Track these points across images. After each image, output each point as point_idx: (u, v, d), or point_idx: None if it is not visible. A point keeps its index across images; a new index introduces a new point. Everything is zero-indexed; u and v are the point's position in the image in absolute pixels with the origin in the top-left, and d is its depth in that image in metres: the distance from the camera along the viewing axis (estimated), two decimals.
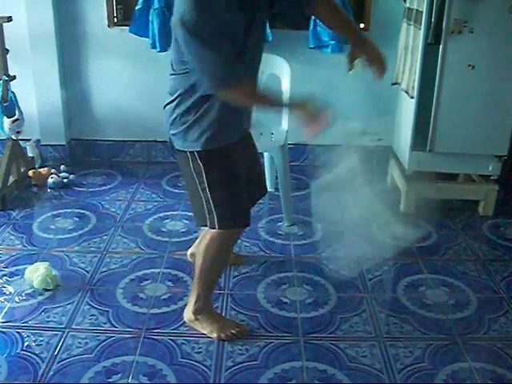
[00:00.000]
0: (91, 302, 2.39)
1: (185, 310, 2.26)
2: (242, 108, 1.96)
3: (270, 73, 3.15)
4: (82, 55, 3.73)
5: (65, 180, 3.56)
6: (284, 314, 2.35)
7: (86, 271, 2.62)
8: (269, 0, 1.90)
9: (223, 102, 1.87)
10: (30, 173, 3.55)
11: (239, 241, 2.90)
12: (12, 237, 2.92)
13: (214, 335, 2.17)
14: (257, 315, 2.33)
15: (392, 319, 2.33)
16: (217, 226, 2.04)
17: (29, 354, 2.08)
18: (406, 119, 3.20)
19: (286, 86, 3.07)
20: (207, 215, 2.04)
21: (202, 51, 1.71)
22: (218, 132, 1.94)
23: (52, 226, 3.05)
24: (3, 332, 2.19)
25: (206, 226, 2.08)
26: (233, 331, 2.18)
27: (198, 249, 2.18)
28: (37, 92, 3.71)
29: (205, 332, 2.19)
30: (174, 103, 1.93)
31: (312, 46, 3.44)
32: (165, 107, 1.98)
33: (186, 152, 1.98)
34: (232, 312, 2.35)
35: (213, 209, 2.02)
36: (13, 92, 3.27)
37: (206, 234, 2.13)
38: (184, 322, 2.25)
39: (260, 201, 3.19)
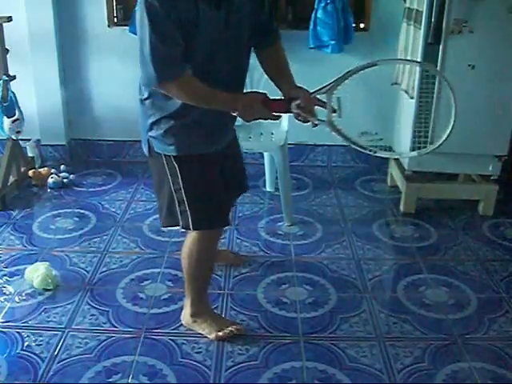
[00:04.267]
0: (91, 302, 2.39)
1: (182, 314, 2.26)
2: (223, 117, 1.94)
3: None
4: (82, 55, 3.73)
5: (65, 180, 3.56)
6: (284, 313, 2.35)
7: (86, 271, 2.62)
8: (252, 25, 1.91)
9: (204, 110, 1.87)
10: (30, 173, 3.55)
11: (239, 241, 2.91)
12: (12, 237, 2.93)
13: (213, 335, 2.17)
14: (257, 315, 2.33)
15: (392, 319, 2.33)
16: (191, 227, 2.05)
17: (29, 353, 2.08)
18: (406, 119, 3.20)
19: None
20: (180, 216, 2.04)
21: (151, 37, 1.71)
22: (195, 139, 1.95)
23: (52, 226, 3.05)
24: (3, 332, 2.19)
25: (177, 226, 2.09)
26: (231, 329, 2.18)
27: (182, 254, 2.17)
28: (37, 92, 3.72)
29: (204, 333, 2.20)
30: (152, 107, 1.94)
31: (312, 46, 3.44)
32: (142, 103, 1.98)
33: (161, 154, 1.98)
34: (232, 312, 2.35)
35: (187, 209, 2.02)
36: (13, 92, 3.27)
37: (188, 239, 2.14)
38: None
39: (260, 200, 3.19)
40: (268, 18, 2.00)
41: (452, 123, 1.90)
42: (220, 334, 2.17)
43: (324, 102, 1.89)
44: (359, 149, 1.97)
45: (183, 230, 2.15)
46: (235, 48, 1.88)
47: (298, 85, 1.93)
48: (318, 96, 1.89)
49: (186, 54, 1.78)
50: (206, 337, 2.18)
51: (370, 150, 1.98)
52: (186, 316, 2.24)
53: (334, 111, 1.89)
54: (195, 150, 1.98)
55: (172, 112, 1.91)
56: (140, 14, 1.73)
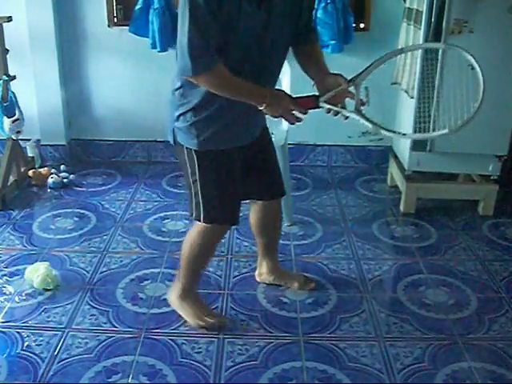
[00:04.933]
0: (91, 302, 2.39)
1: (169, 291, 2.31)
2: (248, 115, 1.97)
3: None
4: (82, 55, 3.73)
5: (65, 180, 3.56)
6: (284, 313, 2.35)
7: (86, 271, 2.62)
8: (294, 22, 1.93)
9: (230, 106, 1.90)
10: (30, 173, 3.55)
11: (239, 241, 2.91)
12: (12, 237, 2.92)
13: (194, 323, 2.22)
14: (257, 315, 2.33)
15: (392, 319, 2.33)
16: (202, 219, 2.09)
17: (29, 353, 2.08)
18: (406, 119, 3.20)
19: (286, 86, 3.07)
20: (194, 206, 2.09)
21: (190, 28, 1.73)
22: (218, 136, 1.98)
23: (52, 226, 3.05)
24: (3, 332, 2.19)
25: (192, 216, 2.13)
26: (212, 321, 2.22)
27: (185, 240, 2.22)
28: (37, 92, 3.72)
29: (185, 317, 2.24)
30: (182, 99, 1.95)
31: None
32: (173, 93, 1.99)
33: (183, 146, 2.02)
34: (232, 312, 2.35)
35: (200, 201, 2.06)
36: (13, 92, 3.28)
37: (193, 228, 2.18)
38: (184, 322, 2.26)
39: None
40: (308, 18, 2.03)
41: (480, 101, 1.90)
42: (201, 323, 2.21)
43: (352, 94, 1.90)
44: (390, 134, 1.97)
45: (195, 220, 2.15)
46: (273, 47, 1.91)
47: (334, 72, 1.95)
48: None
49: (223, 49, 1.80)
50: (206, 337, 2.19)
51: (399, 133, 2.01)
52: (172, 295, 2.29)
53: (363, 103, 1.90)
54: (217, 145, 2.00)
55: (198, 105, 1.93)
56: (182, 4, 1.75)
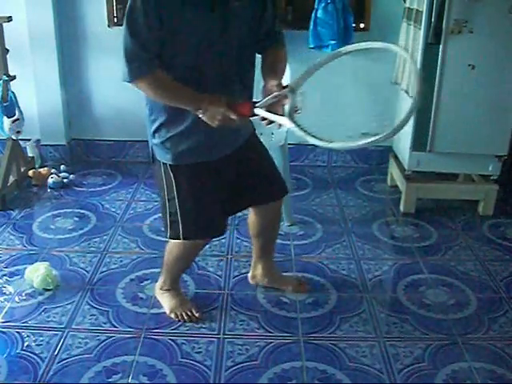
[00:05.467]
0: (91, 302, 2.39)
1: (156, 283, 2.40)
2: (216, 129, 1.86)
3: None
4: (82, 55, 3.73)
5: (65, 180, 3.57)
6: (284, 313, 2.35)
7: (86, 271, 2.62)
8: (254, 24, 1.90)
9: (195, 120, 1.86)
10: (30, 173, 3.55)
11: (239, 241, 2.91)
12: (12, 237, 2.93)
13: (168, 312, 2.30)
14: (257, 315, 2.33)
15: (392, 319, 2.33)
16: (181, 237, 2.09)
17: (29, 353, 2.08)
18: None
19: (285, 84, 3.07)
20: (169, 225, 2.08)
21: (128, 37, 1.76)
22: (193, 149, 1.96)
23: (52, 226, 3.05)
24: (3, 332, 2.19)
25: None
26: (183, 313, 2.27)
27: (167, 245, 2.26)
28: (37, 92, 3.71)
29: (164, 307, 2.32)
30: (151, 115, 1.97)
31: (312, 46, 3.44)
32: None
33: (160, 162, 2.02)
34: (232, 312, 2.35)
35: (179, 219, 2.05)
36: (13, 92, 3.28)
37: (171, 241, 2.20)
38: (184, 322, 2.26)
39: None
40: (271, 25, 1.97)
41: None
42: (172, 315, 2.29)
43: (286, 97, 1.77)
44: (318, 142, 1.68)
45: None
46: (234, 52, 1.87)
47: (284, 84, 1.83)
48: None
49: (171, 54, 1.81)
50: (206, 337, 2.19)
51: (328, 141, 1.67)
52: (157, 286, 2.39)
53: (296, 110, 1.77)
54: (193, 159, 1.98)
55: (168, 119, 1.93)
56: (126, 11, 1.77)
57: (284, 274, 2.58)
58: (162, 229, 2.18)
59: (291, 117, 1.74)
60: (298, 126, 1.72)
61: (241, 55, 1.91)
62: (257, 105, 1.80)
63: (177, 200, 2.03)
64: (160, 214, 2.20)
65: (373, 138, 1.60)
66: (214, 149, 2.00)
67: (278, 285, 2.49)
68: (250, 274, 2.53)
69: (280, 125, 1.78)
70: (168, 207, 2.06)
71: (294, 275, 2.62)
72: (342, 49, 1.85)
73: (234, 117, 1.78)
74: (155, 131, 1.97)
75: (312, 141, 1.68)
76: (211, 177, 2.03)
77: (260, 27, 1.94)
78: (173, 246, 2.21)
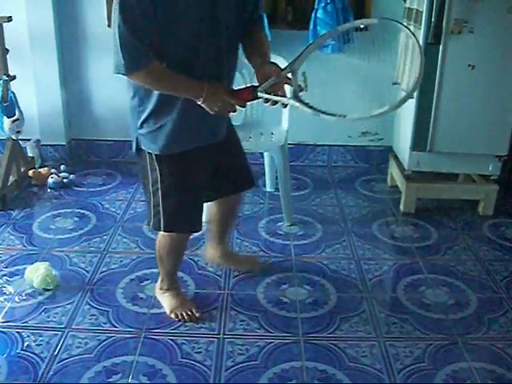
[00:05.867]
0: (91, 302, 2.39)
1: (156, 284, 2.42)
2: (204, 116, 1.91)
3: None
4: (82, 55, 3.73)
5: (65, 180, 3.56)
6: (284, 313, 2.35)
7: (86, 271, 2.62)
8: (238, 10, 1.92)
9: (184, 108, 1.90)
10: (30, 173, 3.55)
11: (239, 241, 2.91)
12: (12, 237, 2.92)
13: (168, 312, 2.30)
14: (257, 315, 2.33)
15: (392, 319, 2.33)
16: (162, 229, 2.13)
17: (29, 353, 2.08)
18: (406, 119, 3.20)
19: (285, 86, 3.07)
20: (153, 216, 2.12)
21: (120, 26, 1.73)
22: (176, 138, 1.97)
23: (52, 226, 3.05)
24: (3, 332, 2.19)
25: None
26: (183, 313, 2.28)
27: (156, 241, 2.31)
28: (37, 92, 3.71)
29: (164, 307, 2.33)
30: (140, 105, 1.97)
31: None
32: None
33: (146, 152, 2.04)
34: (232, 312, 2.35)
35: (161, 211, 2.08)
36: (13, 92, 3.27)
37: (159, 234, 2.24)
38: (184, 322, 2.26)
39: (260, 200, 3.21)
40: (253, 5, 2.01)
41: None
42: (172, 315, 2.29)
43: (290, 80, 1.86)
44: (331, 117, 1.82)
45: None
46: (223, 38, 1.88)
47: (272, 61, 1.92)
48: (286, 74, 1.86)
49: (166, 42, 1.80)
50: (206, 337, 2.19)
51: (340, 116, 1.81)
52: (157, 287, 2.40)
53: (301, 89, 1.84)
54: (179, 147, 2.00)
55: (157, 110, 1.93)
56: (115, 2, 1.74)
57: (239, 253, 2.77)
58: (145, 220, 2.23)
59: (297, 97, 1.82)
60: (306, 104, 1.80)
61: (229, 40, 1.92)
62: (258, 88, 1.84)
63: (160, 192, 2.05)
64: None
65: (386, 108, 1.82)
66: (199, 136, 2.03)
67: (234, 264, 2.62)
68: (205, 254, 2.67)
69: (285, 104, 1.87)
70: (152, 199, 2.09)
71: (248, 255, 2.77)
72: (338, 27, 1.95)
73: (235, 102, 1.85)
74: (144, 121, 1.98)
75: (324, 117, 1.77)
76: (194, 168, 2.07)
77: (244, 11, 1.96)
78: (161, 239, 2.25)
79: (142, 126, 1.99)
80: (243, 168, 2.34)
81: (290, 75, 1.86)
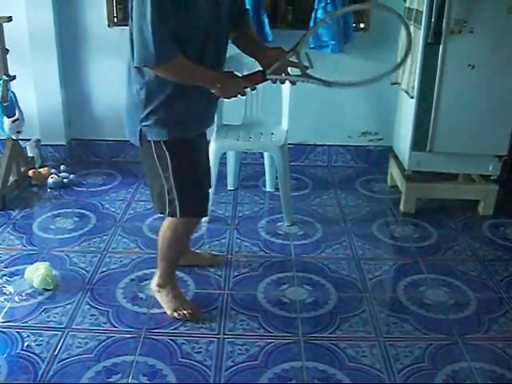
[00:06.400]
0: (91, 302, 2.39)
1: (152, 280, 2.40)
2: (208, 104, 2.08)
3: None
4: (82, 55, 3.73)
5: (65, 180, 3.56)
6: (284, 313, 2.35)
7: (86, 271, 2.62)
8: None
9: (193, 97, 1.99)
10: (30, 173, 3.55)
11: (239, 241, 2.91)
12: (12, 237, 2.93)
13: (169, 312, 2.29)
14: (257, 315, 2.33)
15: (392, 319, 2.33)
16: (178, 215, 2.15)
17: (29, 353, 2.08)
18: (406, 119, 3.20)
19: (285, 86, 3.08)
20: (167, 203, 2.14)
21: (153, 17, 1.77)
22: (184, 124, 2.04)
23: (52, 226, 3.05)
24: (3, 332, 2.19)
25: (164, 213, 2.19)
26: (185, 312, 2.28)
27: (159, 233, 2.31)
28: (37, 92, 3.71)
29: (163, 306, 2.32)
30: (148, 97, 1.98)
31: (312, 46, 3.43)
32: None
33: (151, 142, 2.05)
34: (232, 312, 2.35)
35: (175, 197, 2.11)
36: (13, 92, 3.27)
37: (165, 222, 2.25)
38: (184, 322, 2.26)
39: (260, 200, 3.21)
40: (241, 1, 2.18)
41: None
42: (175, 314, 2.28)
43: (296, 62, 2.03)
44: (345, 85, 2.14)
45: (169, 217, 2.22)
46: (223, 34, 2.02)
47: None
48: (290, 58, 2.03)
49: (186, 38, 1.88)
50: (206, 337, 2.19)
51: (354, 83, 2.14)
52: (153, 283, 2.38)
53: (307, 67, 2.03)
54: (187, 132, 2.06)
55: (168, 100, 1.97)
56: None
57: (197, 251, 2.79)
58: (157, 213, 2.28)
59: (305, 74, 2.03)
60: (316, 78, 2.03)
61: (226, 36, 2.06)
62: (268, 71, 2.02)
63: (172, 178, 2.08)
64: (153, 196, 2.25)
65: (377, 75, 1.99)
66: (202, 122, 2.15)
67: (194, 261, 2.65)
68: None
69: (295, 82, 2.10)
70: (165, 185, 2.11)
71: (206, 252, 2.79)
72: (336, 11, 2.25)
73: (248, 85, 2.01)
74: (151, 112, 1.99)
75: (336, 86, 2.03)
76: (201, 152, 2.19)
77: (235, 8, 2.08)
78: (167, 229, 2.25)
79: (147, 117, 2.01)
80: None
81: (293, 58, 2.03)
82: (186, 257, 2.60)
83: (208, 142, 2.44)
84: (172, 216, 2.18)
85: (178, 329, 2.24)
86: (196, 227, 2.35)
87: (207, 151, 2.38)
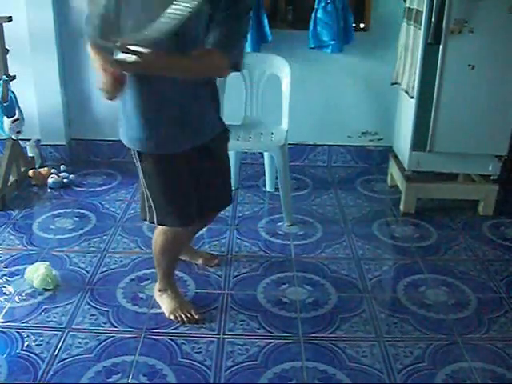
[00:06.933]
0: (91, 302, 2.39)
1: (156, 284, 2.40)
2: (185, 116, 1.96)
3: (270, 73, 3.16)
4: (82, 55, 3.72)
5: (65, 180, 3.56)
6: (284, 313, 2.35)
7: (86, 271, 2.62)
8: None
9: (165, 104, 1.93)
10: (30, 173, 3.55)
11: (239, 241, 2.91)
12: (12, 237, 2.93)
13: (167, 314, 2.29)
14: (257, 315, 2.33)
15: (392, 319, 2.33)
16: (155, 222, 2.13)
17: (29, 353, 2.08)
18: (406, 119, 3.20)
19: (285, 86, 3.08)
20: (147, 210, 2.13)
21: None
22: (159, 136, 1.97)
23: (52, 226, 3.05)
24: (3, 332, 2.19)
25: (146, 220, 2.16)
26: (182, 315, 2.27)
27: (153, 238, 2.28)
28: (37, 92, 3.71)
29: (163, 308, 2.31)
30: (131, 99, 2.02)
31: (312, 46, 3.44)
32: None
33: (131, 149, 2.07)
34: (232, 312, 2.35)
35: (152, 204, 2.09)
36: (13, 92, 3.27)
37: (156, 229, 2.24)
38: (184, 322, 2.26)
39: (260, 200, 3.21)
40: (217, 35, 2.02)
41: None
42: (172, 317, 2.27)
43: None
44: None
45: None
46: None
47: None
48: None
49: None
50: (206, 337, 2.19)
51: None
52: (155, 290, 2.39)
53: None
54: (160, 149, 1.99)
55: (145, 107, 1.95)
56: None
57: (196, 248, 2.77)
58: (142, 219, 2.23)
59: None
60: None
61: None
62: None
63: (146, 186, 2.07)
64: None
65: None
66: (176, 140, 1.99)
67: (190, 258, 2.65)
68: None
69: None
70: (144, 192, 2.10)
71: (203, 250, 2.77)
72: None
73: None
74: (129, 117, 2.01)
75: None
76: (177, 168, 2.03)
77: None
78: (157, 237, 2.23)
79: (121, 117, 2.05)
80: (224, 184, 2.27)
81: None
82: (185, 251, 2.61)
83: (217, 154, 2.17)
84: (152, 223, 2.15)
85: (177, 329, 2.24)
86: (190, 235, 2.29)
87: (212, 165, 2.14)
